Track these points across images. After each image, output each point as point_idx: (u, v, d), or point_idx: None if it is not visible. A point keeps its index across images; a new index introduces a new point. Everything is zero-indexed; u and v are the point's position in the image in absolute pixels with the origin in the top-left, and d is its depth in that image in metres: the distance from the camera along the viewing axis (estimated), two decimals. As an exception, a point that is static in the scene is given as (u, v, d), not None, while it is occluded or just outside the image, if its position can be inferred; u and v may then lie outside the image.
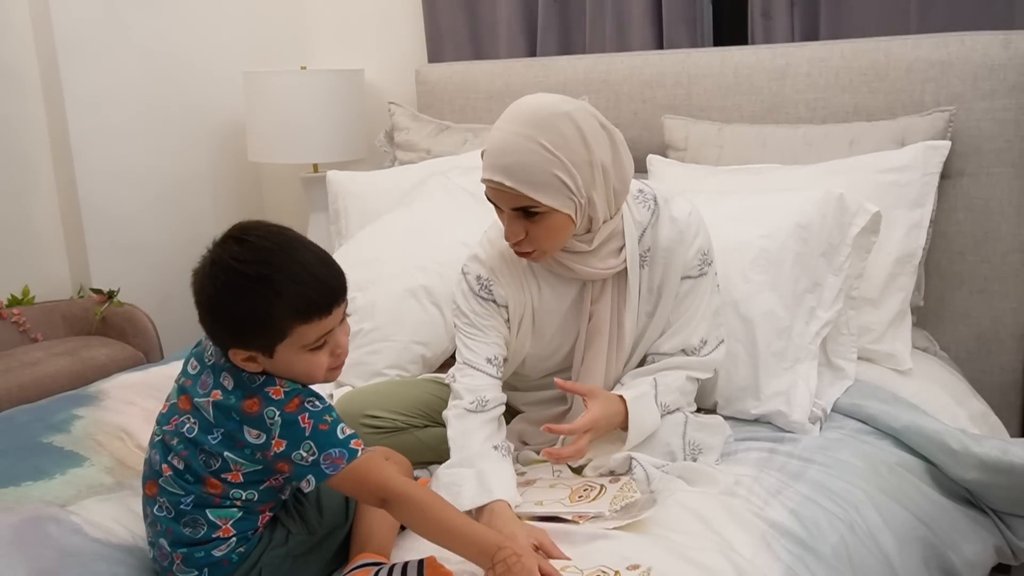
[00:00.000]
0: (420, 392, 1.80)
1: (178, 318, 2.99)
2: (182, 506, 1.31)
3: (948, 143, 2.05)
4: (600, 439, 1.59)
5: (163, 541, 1.33)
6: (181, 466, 1.31)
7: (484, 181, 1.50)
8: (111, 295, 2.75)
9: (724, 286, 1.80)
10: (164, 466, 1.33)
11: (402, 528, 1.45)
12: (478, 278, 1.66)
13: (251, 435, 1.28)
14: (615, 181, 1.55)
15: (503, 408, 1.62)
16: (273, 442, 1.27)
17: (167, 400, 1.39)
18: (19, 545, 1.36)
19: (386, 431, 1.71)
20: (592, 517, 1.40)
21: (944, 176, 2.10)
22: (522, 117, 1.48)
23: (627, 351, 1.67)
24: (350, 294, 2.07)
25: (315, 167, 3.04)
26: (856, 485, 1.57)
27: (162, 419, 1.37)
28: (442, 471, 1.51)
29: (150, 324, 2.70)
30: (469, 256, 1.68)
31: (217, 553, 1.32)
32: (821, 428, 1.73)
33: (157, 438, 1.36)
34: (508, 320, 1.66)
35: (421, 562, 1.28)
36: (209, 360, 1.34)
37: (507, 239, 1.54)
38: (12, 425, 1.78)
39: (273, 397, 1.28)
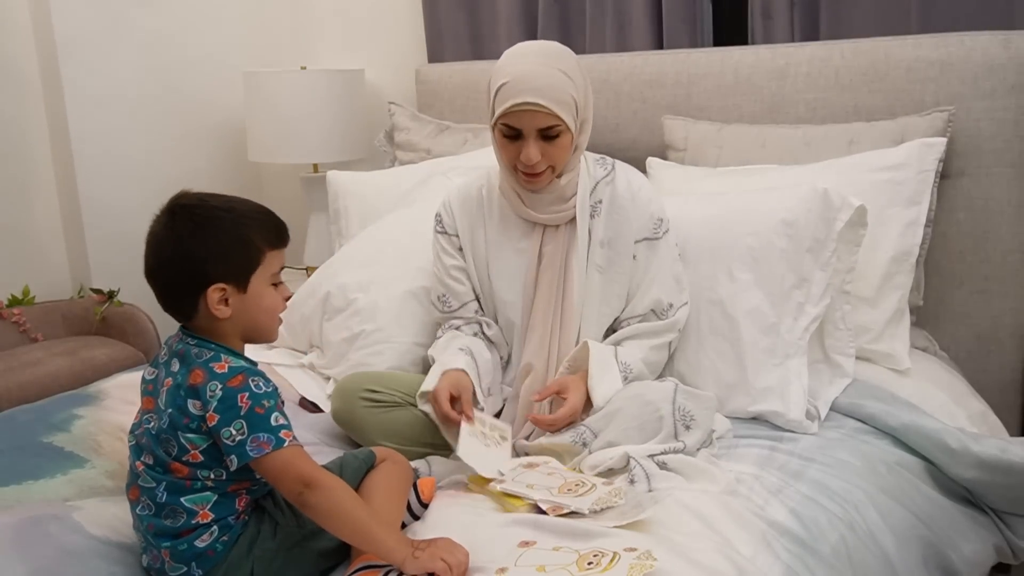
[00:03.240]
0: (420, 379, 1.82)
1: (178, 318, 2.99)
2: (159, 498, 1.33)
3: (943, 140, 2.05)
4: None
5: (151, 540, 1.35)
6: (151, 460, 1.35)
7: (516, 106, 1.67)
8: (111, 295, 2.75)
9: (711, 285, 1.86)
10: (138, 463, 1.37)
11: (403, 526, 1.45)
12: (436, 215, 1.91)
13: (195, 407, 1.31)
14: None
15: (474, 316, 1.87)
16: (208, 415, 1.29)
17: (137, 414, 1.43)
18: (19, 544, 1.36)
19: (385, 405, 1.74)
20: (569, 512, 1.40)
21: (944, 176, 2.10)
22: (535, 52, 1.73)
23: (574, 297, 1.76)
24: (352, 295, 2.09)
25: (315, 167, 3.04)
26: (856, 484, 1.57)
27: (134, 427, 1.41)
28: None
29: (150, 324, 2.70)
30: None
31: (200, 544, 1.32)
32: (818, 426, 1.73)
33: (132, 444, 1.40)
34: (461, 249, 1.87)
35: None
36: (164, 359, 1.39)
37: (529, 162, 1.70)
38: (12, 425, 1.78)
39: (216, 371, 1.31)
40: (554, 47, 1.75)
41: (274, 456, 1.28)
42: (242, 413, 1.28)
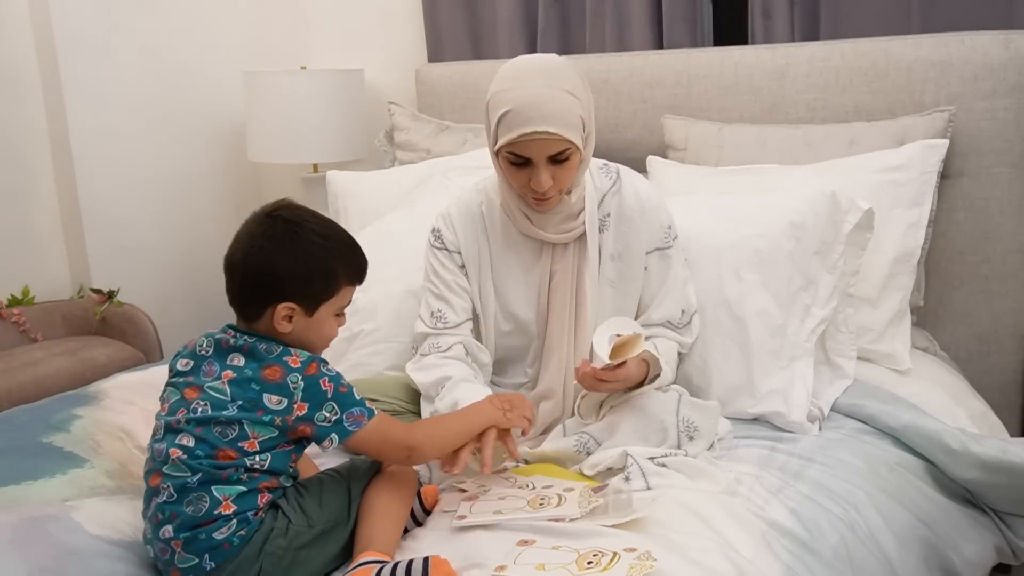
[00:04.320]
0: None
1: (178, 318, 2.99)
2: (188, 485, 1.34)
3: (946, 141, 2.05)
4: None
5: (165, 530, 1.34)
6: (192, 443, 1.36)
7: (524, 135, 1.58)
8: (111, 295, 2.75)
9: (717, 286, 1.84)
10: (172, 450, 1.36)
11: (405, 531, 1.46)
12: (434, 230, 1.82)
13: (272, 401, 1.36)
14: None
15: (463, 349, 1.77)
16: (295, 406, 1.36)
17: (164, 402, 1.43)
18: (19, 544, 1.36)
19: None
20: (571, 520, 1.38)
21: (944, 176, 2.10)
22: (536, 72, 1.61)
23: (589, 316, 1.72)
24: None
25: (315, 167, 3.04)
26: (856, 485, 1.57)
27: (165, 414, 1.41)
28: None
29: (150, 324, 2.70)
30: None
31: (218, 536, 1.33)
32: (820, 428, 1.73)
33: (161, 431, 1.40)
34: (464, 267, 1.79)
35: (426, 560, 1.28)
36: (206, 352, 1.42)
37: (541, 188, 1.63)
38: (12, 425, 1.77)
39: (292, 365, 1.38)
40: (554, 63, 1.64)
41: (371, 428, 1.38)
42: (330, 396, 1.37)
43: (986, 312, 2.17)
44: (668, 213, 1.79)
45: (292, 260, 1.39)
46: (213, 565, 1.33)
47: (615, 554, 1.25)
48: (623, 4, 2.65)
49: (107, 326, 2.71)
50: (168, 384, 1.45)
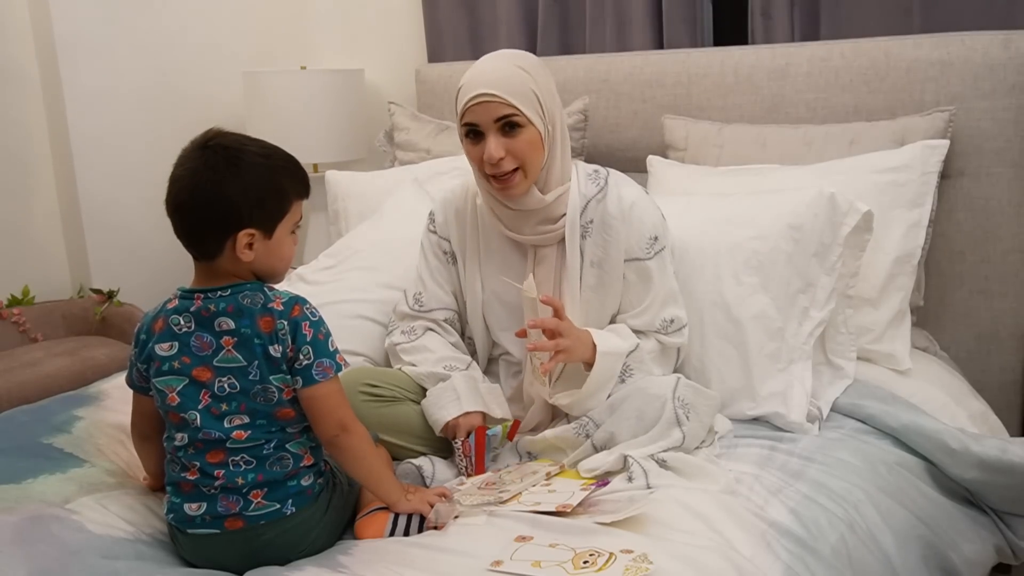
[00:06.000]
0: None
1: (178, 318, 2.99)
2: (265, 451, 1.39)
3: (946, 142, 2.05)
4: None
5: (241, 480, 1.37)
6: (248, 418, 1.39)
7: (469, 101, 1.64)
8: (111, 295, 2.75)
9: (716, 288, 1.84)
10: (237, 432, 1.38)
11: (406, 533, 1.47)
12: (430, 213, 1.88)
13: (276, 351, 1.38)
14: (566, 142, 1.75)
15: (444, 325, 1.85)
16: (287, 350, 1.38)
17: (168, 393, 1.41)
18: (20, 544, 1.36)
19: (385, 400, 1.72)
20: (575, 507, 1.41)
21: (944, 176, 2.10)
22: (495, 54, 1.71)
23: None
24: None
25: (315, 167, 3.04)
26: (856, 484, 1.57)
27: (187, 404, 1.39)
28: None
29: (150, 324, 2.70)
30: None
31: (305, 483, 1.42)
32: (819, 428, 1.74)
33: (194, 422, 1.38)
34: (450, 253, 1.84)
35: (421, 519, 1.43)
36: (188, 328, 1.40)
37: (491, 158, 1.64)
38: (12, 425, 1.77)
39: (277, 310, 1.39)
40: (518, 51, 1.74)
41: (333, 385, 1.40)
42: (308, 339, 1.39)
43: (986, 312, 2.17)
44: (657, 224, 1.76)
45: (242, 185, 1.37)
46: (294, 509, 1.39)
47: (611, 555, 1.26)
48: (623, 4, 2.65)
49: (107, 326, 2.71)
50: (161, 373, 1.41)
